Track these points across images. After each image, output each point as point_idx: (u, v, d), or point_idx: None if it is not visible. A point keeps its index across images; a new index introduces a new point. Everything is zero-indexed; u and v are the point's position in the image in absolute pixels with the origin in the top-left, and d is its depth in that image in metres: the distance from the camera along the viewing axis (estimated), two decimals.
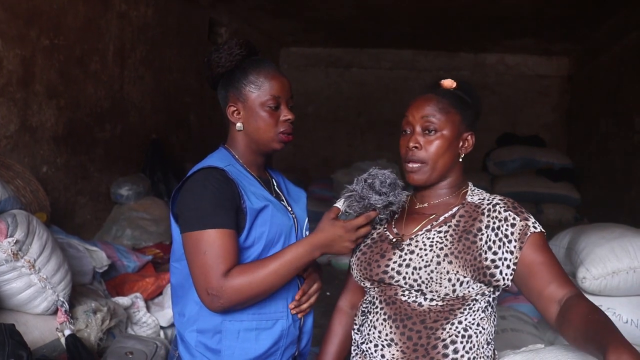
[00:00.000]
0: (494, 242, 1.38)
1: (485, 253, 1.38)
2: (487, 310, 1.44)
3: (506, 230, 1.38)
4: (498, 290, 1.44)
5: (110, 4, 4.12)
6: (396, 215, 1.55)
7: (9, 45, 3.17)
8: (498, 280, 1.38)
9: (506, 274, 1.37)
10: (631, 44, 5.30)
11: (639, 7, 4.88)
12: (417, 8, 5.62)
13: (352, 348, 1.54)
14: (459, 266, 1.36)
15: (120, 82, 4.33)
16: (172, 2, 5.04)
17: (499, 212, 1.41)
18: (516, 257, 1.37)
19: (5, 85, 3.17)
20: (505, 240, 1.38)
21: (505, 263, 1.37)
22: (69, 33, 3.67)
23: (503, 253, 1.37)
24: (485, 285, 1.39)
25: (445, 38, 6.93)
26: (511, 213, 1.40)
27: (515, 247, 1.37)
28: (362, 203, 1.40)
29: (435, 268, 1.37)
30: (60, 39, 3.59)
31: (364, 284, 1.52)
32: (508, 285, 1.39)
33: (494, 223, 1.40)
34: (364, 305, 1.52)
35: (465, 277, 1.36)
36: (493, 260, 1.37)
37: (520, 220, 1.39)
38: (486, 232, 1.39)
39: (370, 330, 1.45)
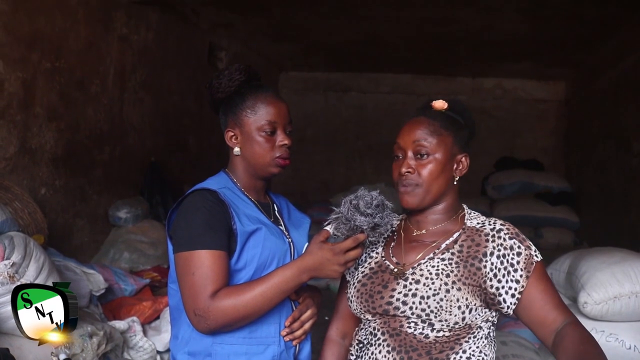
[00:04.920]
0: (499, 269, 1.37)
1: (490, 280, 1.36)
2: (490, 336, 1.42)
3: (512, 259, 1.37)
4: (497, 315, 1.43)
5: (111, 27, 4.16)
6: (384, 237, 1.50)
7: (10, 67, 3.18)
8: (502, 308, 1.37)
9: (510, 303, 1.36)
10: (628, 68, 5.34)
11: (635, 31, 4.94)
12: (416, 33, 5.68)
13: None
14: (468, 292, 1.35)
15: (119, 105, 4.34)
16: (173, 26, 5.09)
17: (504, 240, 1.39)
18: (522, 287, 1.36)
19: (5, 107, 3.18)
20: (510, 269, 1.36)
21: (510, 292, 1.36)
22: (70, 56, 3.69)
23: (507, 282, 1.36)
24: (490, 311, 1.39)
25: (443, 63, 6.99)
26: (516, 241, 1.39)
27: (521, 276, 1.36)
28: (349, 225, 1.36)
29: (445, 296, 1.34)
30: (62, 61, 3.61)
31: (364, 317, 1.47)
32: (510, 314, 1.38)
33: (499, 251, 1.38)
34: (362, 336, 1.46)
35: (474, 303, 1.35)
36: (497, 288, 1.36)
37: (525, 250, 1.38)
38: (491, 259, 1.38)
39: None
